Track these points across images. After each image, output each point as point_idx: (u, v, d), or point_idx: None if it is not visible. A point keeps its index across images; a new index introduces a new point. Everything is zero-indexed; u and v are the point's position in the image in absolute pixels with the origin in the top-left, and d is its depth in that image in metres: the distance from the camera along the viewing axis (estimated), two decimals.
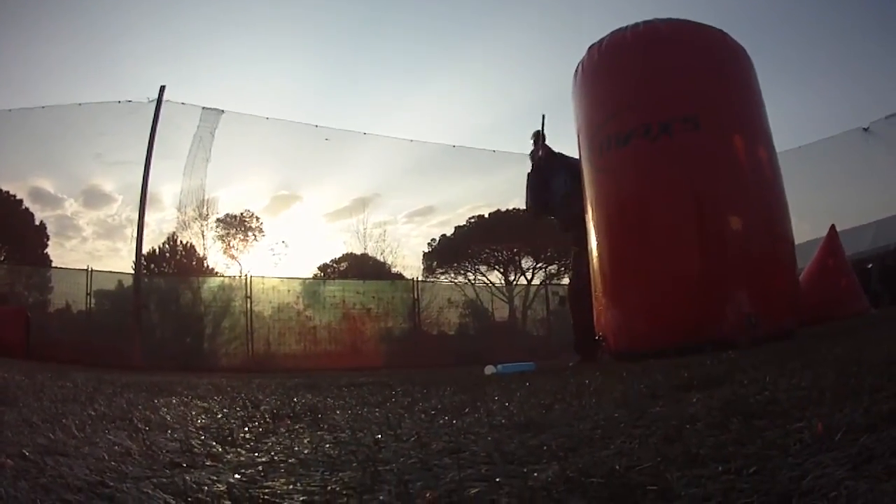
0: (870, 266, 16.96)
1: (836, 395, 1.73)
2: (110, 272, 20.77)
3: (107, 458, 1.64)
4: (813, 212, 22.00)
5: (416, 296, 21.92)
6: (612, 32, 6.82)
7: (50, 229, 33.34)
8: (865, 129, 21.36)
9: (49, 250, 32.21)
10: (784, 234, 6.40)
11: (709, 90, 6.41)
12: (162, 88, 18.23)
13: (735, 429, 1.51)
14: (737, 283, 5.90)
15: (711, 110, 6.28)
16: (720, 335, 5.52)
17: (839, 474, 1.02)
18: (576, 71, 7.18)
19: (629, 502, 1.05)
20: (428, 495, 1.19)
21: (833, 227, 11.02)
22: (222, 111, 19.77)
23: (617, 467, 1.26)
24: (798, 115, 40.10)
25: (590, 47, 6.98)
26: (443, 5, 53.32)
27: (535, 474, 1.28)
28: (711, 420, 1.66)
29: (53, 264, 27.67)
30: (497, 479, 1.28)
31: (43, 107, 20.09)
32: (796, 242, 7.02)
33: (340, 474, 1.44)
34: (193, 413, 2.80)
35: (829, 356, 2.91)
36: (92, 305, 18.70)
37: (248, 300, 19.56)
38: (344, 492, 1.28)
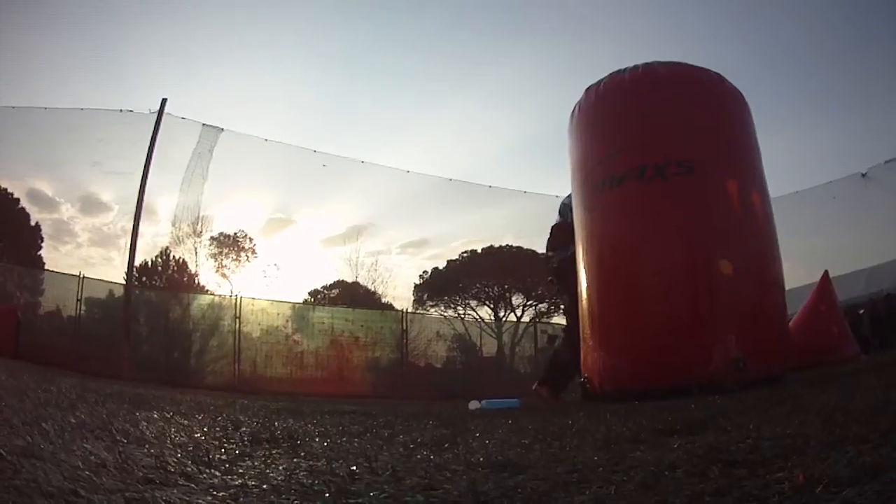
0: (861, 312, 16.98)
1: (820, 445, 1.71)
2: (102, 280, 20.61)
3: (82, 466, 1.63)
4: (808, 257, 22.01)
5: (404, 327, 21.91)
6: (611, 74, 6.87)
7: (45, 231, 33.51)
8: (863, 175, 21.44)
9: (43, 252, 32.27)
10: (775, 279, 6.39)
11: (705, 134, 6.44)
12: (163, 101, 18.35)
13: (714, 478, 1.48)
14: (726, 326, 5.88)
15: (706, 154, 6.29)
16: (707, 378, 5.50)
17: None
18: (573, 112, 7.21)
19: None
20: None
21: (826, 273, 11.04)
22: (222, 129, 19.88)
23: None
24: (796, 160, 40.36)
25: (587, 88, 7.02)
26: (444, 41, 53.72)
27: None
28: (691, 468, 1.63)
29: (46, 267, 27.57)
30: None
31: (45, 108, 20.12)
32: (790, 287, 7.02)
33: None
34: (173, 430, 2.78)
35: (816, 403, 2.88)
36: (82, 312, 18.68)
37: (237, 320, 19.54)
38: None
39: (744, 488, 1.34)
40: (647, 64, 6.76)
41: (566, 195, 8.52)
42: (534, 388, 8.20)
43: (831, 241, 24.23)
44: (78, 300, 18.20)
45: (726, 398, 4.25)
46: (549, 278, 9.10)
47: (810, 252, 22.19)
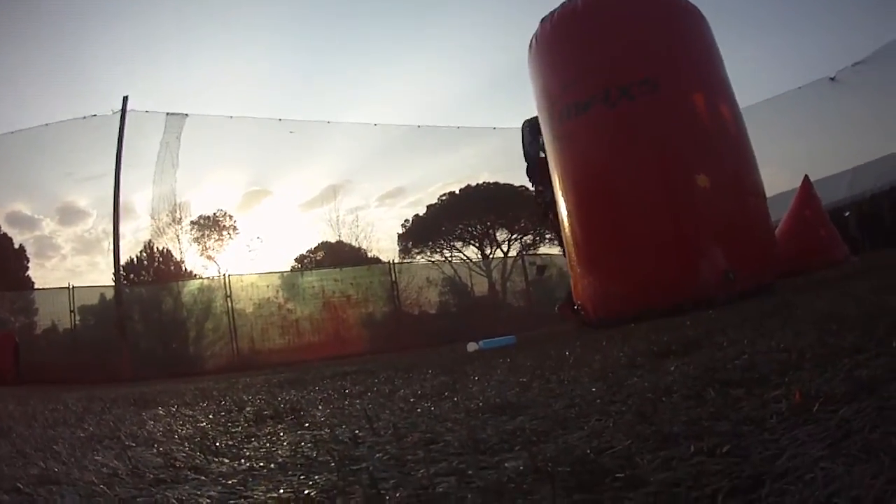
0: (847, 214, 17.09)
1: (815, 358, 1.68)
2: (91, 287, 20.47)
3: (96, 481, 1.61)
4: (788, 162, 22.04)
5: (394, 278, 21.89)
6: (563, 2, 6.77)
7: (29, 251, 33.20)
8: (832, 79, 21.43)
9: (31, 272, 32.03)
10: (754, 187, 6.39)
11: (665, 51, 6.38)
12: (125, 99, 18.19)
13: (711, 400, 1.46)
14: (710, 240, 5.90)
15: (669, 71, 6.25)
16: (699, 293, 5.52)
17: (815, 453, 0.96)
18: (530, 44, 7.14)
19: (597, 492, 1.00)
20: None
21: (807, 177, 11.07)
22: (186, 115, 19.73)
23: (588, 452, 1.21)
24: (764, 68, 40.02)
25: (542, 19, 6.94)
26: None
27: (506, 465, 1.24)
28: (688, 391, 1.61)
29: (36, 286, 27.43)
30: (468, 472, 1.23)
31: (12, 132, 19.91)
32: (773, 194, 7.01)
33: (316, 477, 1.41)
34: (179, 423, 2.78)
35: (809, 312, 2.88)
36: (77, 322, 18.56)
37: (229, 299, 19.47)
38: (318, 498, 1.24)
39: (741, 410, 1.31)
40: None
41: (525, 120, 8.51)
42: (557, 308, 8.38)
43: (809, 145, 24.27)
44: (72, 311, 18.08)
45: (720, 312, 4.26)
46: (546, 213, 9.04)
47: (790, 157, 22.23)
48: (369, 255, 32.94)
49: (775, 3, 47.16)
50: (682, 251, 5.90)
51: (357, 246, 33.99)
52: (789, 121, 22.47)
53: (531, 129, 8.21)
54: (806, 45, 43.56)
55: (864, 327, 2.01)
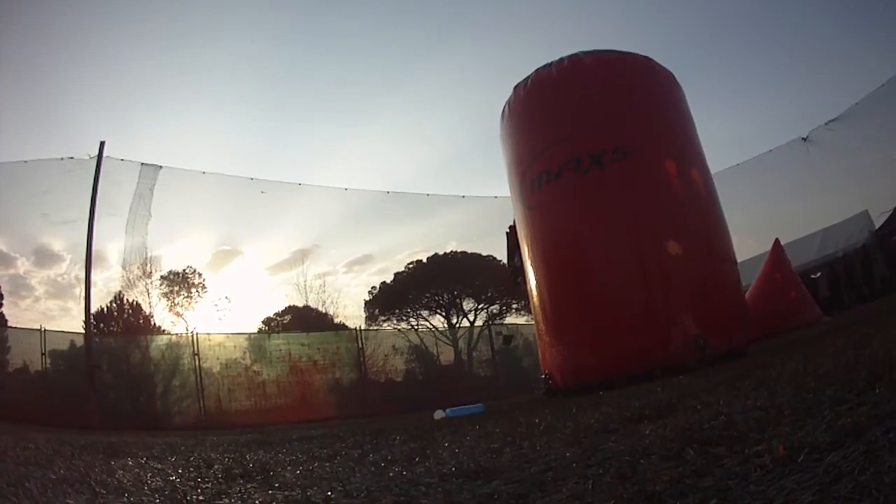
0: (818, 275, 17.20)
1: (795, 413, 1.66)
2: (63, 332, 20.13)
3: None
4: (759, 227, 22.06)
5: (360, 345, 21.70)
6: (538, 69, 6.86)
7: (4, 288, 32.65)
8: (805, 139, 21.59)
9: (4, 309, 31.56)
10: (725, 253, 6.43)
11: (638, 118, 6.47)
12: (102, 144, 17.86)
13: (691, 459, 1.43)
14: (681, 306, 5.90)
15: (641, 138, 6.32)
16: (669, 360, 5.51)
17: (806, 498, 0.95)
18: (503, 111, 7.21)
19: None
20: None
21: (777, 240, 11.22)
22: (160, 167, 19.48)
23: None
24: (737, 132, 40.45)
25: (515, 86, 7.02)
26: (367, 52, 53.04)
27: None
28: (666, 452, 1.58)
29: (9, 324, 27.01)
30: None
31: None
32: (743, 259, 7.06)
33: None
34: (148, 475, 2.72)
35: (784, 371, 2.86)
36: (48, 365, 18.31)
37: (196, 357, 19.18)
38: None
39: (724, 466, 1.29)
40: (572, 55, 6.76)
41: (510, 226, 8.51)
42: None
43: (780, 208, 24.32)
44: (42, 354, 17.79)
45: (691, 377, 4.25)
46: (518, 279, 8.99)
47: (760, 222, 22.21)
48: (336, 321, 32.78)
49: (750, 62, 47.84)
50: (652, 318, 5.90)
51: (324, 311, 33.84)
52: (761, 184, 22.51)
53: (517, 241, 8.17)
54: (780, 104, 44.00)
55: (842, 380, 1.99)
